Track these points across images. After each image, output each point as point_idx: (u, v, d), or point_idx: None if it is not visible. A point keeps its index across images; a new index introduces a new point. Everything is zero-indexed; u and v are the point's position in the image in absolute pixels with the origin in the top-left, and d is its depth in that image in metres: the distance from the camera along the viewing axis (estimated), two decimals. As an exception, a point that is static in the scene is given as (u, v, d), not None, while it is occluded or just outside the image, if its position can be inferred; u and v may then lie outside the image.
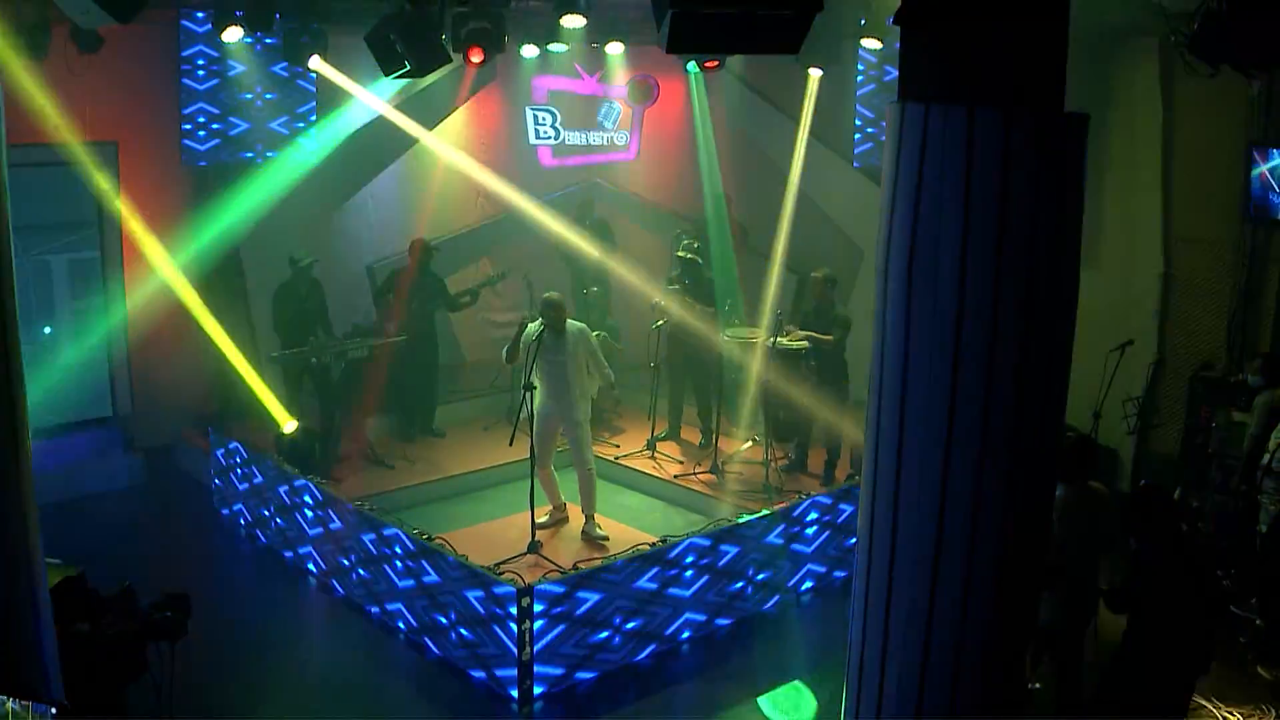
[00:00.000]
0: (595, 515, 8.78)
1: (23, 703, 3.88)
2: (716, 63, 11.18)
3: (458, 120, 11.81)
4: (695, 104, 11.87)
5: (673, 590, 7.53)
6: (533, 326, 8.48)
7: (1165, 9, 7.52)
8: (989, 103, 3.77)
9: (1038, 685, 6.26)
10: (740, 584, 7.97)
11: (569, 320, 8.53)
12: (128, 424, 10.42)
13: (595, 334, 8.95)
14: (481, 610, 7.03)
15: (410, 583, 7.58)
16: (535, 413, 8.35)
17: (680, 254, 10.21)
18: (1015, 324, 3.84)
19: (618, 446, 10.38)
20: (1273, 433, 7.55)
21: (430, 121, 11.26)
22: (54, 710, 3.90)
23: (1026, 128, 3.75)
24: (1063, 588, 5.81)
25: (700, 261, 10.13)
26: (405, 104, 10.89)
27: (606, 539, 8.55)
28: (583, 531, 8.74)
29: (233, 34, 9.14)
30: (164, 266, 9.85)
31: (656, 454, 10.21)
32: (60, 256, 9.89)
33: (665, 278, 10.51)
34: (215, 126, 10.02)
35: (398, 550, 7.65)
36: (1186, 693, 5.49)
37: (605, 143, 12.91)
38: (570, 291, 10.90)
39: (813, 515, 8.38)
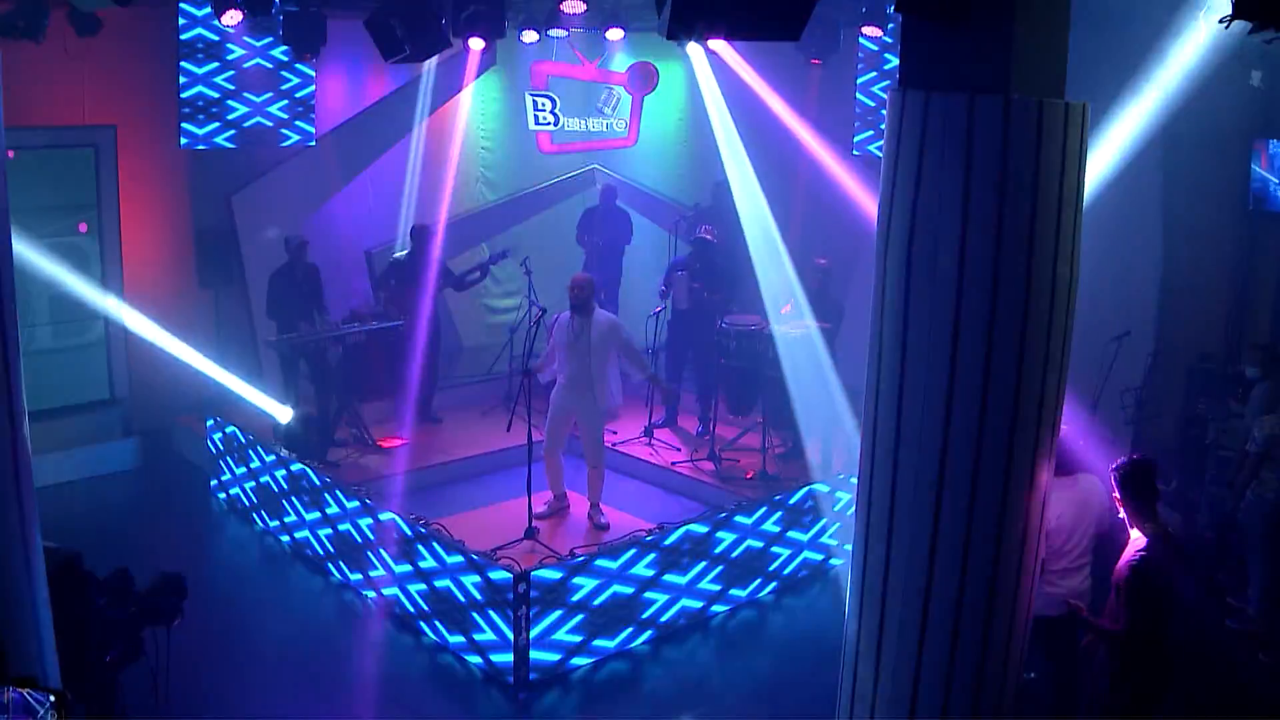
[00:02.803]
0: (600, 504, 8.80)
1: (19, 690, 3.89)
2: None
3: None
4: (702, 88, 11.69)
5: (669, 577, 7.54)
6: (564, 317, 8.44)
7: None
8: (990, 91, 3.77)
9: (1032, 675, 6.27)
10: (737, 571, 7.98)
11: (599, 309, 8.46)
12: (125, 407, 10.41)
13: None
14: (478, 596, 7.04)
15: (407, 568, 7.59)
16: (552, 399, 8.41)
17: (701, 235, 10.14)
18: (1013, 313, 3.85)
19: (615, 433, 10.38)
20: (1268, 423, 7.55)
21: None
22: (51, 698, 3.90)
23: (1027, 116, 3.75)
24: (1056, 579, 5.81)
25: (716, 243, 10.09)
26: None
27: (607, 528, 8.55)
28: (588, 514, 8.77)
29: (232, 18, 9.11)
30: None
31: (654, 441, 10.22)
32: (58, 240, 9.85)
33: (669, 262, 10.50)
34: (214, 110, 9.99)
35: (394, 535, 7.66)
36: (1173, 684, 5.49)
37: (605, 129, 12.87)
38: None
39: (809, 504, 8.38)
